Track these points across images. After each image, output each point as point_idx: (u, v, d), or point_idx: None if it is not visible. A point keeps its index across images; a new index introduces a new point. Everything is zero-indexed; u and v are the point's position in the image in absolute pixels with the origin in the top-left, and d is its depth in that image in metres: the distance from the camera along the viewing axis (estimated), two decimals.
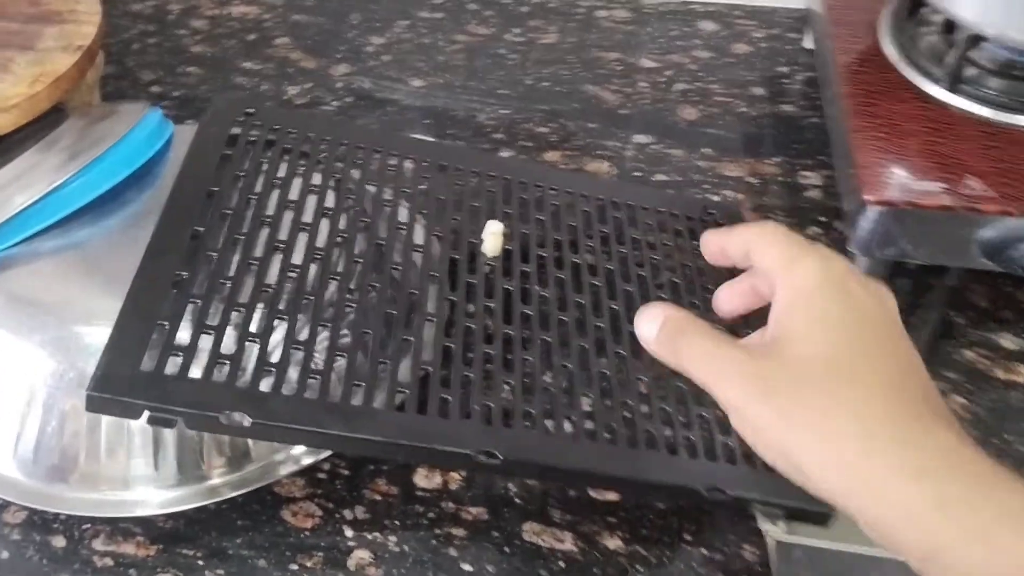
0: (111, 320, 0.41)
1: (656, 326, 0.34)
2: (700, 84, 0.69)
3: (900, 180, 0.49)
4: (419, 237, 0.51)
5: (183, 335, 0.41)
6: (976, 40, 0.54)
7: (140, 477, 0.43)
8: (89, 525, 0.45)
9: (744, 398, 0.30)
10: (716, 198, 0.61)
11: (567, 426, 0.44)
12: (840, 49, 0.57)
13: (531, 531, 0.45)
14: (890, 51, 0.56)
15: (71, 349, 0.43)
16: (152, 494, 0.44)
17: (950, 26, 0.56)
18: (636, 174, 0.62)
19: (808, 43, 0.72)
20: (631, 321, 0.49)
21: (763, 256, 0.34)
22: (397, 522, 0.45)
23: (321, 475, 0.47)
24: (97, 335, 0.41)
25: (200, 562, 0.44)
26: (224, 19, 0.72)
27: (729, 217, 0.58)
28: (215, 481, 0.44)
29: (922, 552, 0.27)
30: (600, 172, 0.62)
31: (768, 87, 0.70)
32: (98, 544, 0.44)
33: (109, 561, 0.44)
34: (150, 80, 0.66)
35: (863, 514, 0.28)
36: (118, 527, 0.45)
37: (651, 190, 0.60)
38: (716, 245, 0.37)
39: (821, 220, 0.60)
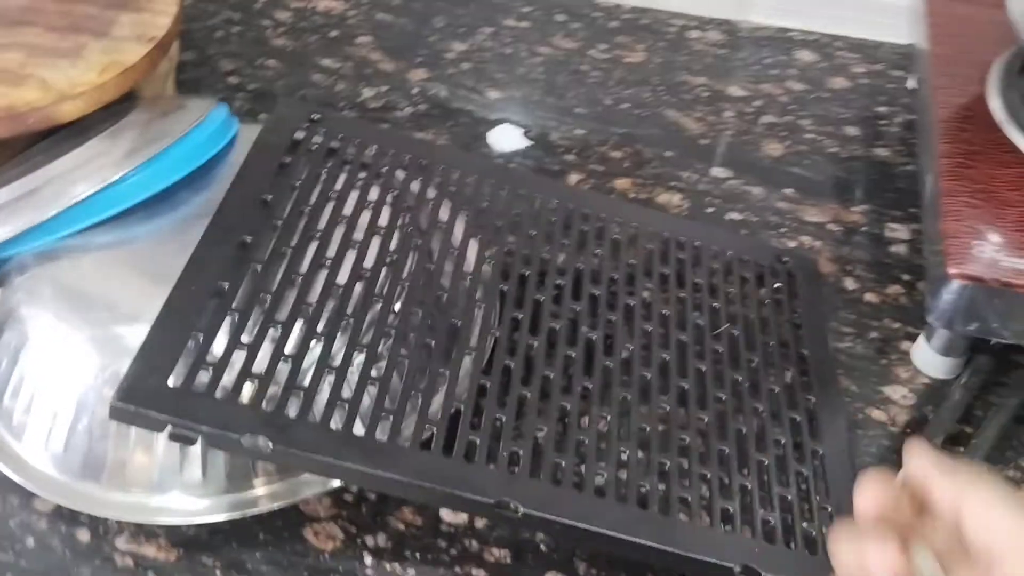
0: (151, 323, 0.41)
1: None
2: (790, 118, 0.66)
3: (991, 254, 0.45)
4: (470, 263, 0.49)
5: (217, 348, 0.41)
6: None
7: (166, 483, 0.43)
8: (115, 523, 0.45)
9: None
10: (792, 244, 0.58)
11: (599, 481, 0.42)
12: (941, 100, 0.53)
13: None
14: (996, 108, 0.52)
15: (110, 349, 0.43)
16: (177, 501, 0.43)
17: None
18: (709, 210, 0.60)
19: (913, 83, 0.67)
20: (680, 372, 0.47)
21: (986, 529, 0.28)
22: (418, 555, 0.44)
23: (348, 497, 0.46)
24: (137, 337, 0.41)
25: (218, 572, 0.43)
26: (309, 13, 0.71)
27: (803, 268, 0.55)
28: (240, 494, 0.44)
29: None
30: (671, 205, 0.60)
31: (864, 127, 0.66)
32: (121, 543, 0.44)
33: (130, 561, 0.44)
34: (229, 70, 0.66)
35: None
36: (142, 528, 0.45)
37: (721, 231, 0.57)
38: (885, 494, 0.30)
39: (904, 279, 0.56)
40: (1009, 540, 0.26)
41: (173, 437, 0.38)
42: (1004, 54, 0.55)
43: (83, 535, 0.44)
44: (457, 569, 0.43)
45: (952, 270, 0.45)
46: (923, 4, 0.60)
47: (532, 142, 0.62)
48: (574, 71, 0.68)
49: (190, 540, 0.44)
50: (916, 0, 0.61)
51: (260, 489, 0.44)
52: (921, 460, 0.30)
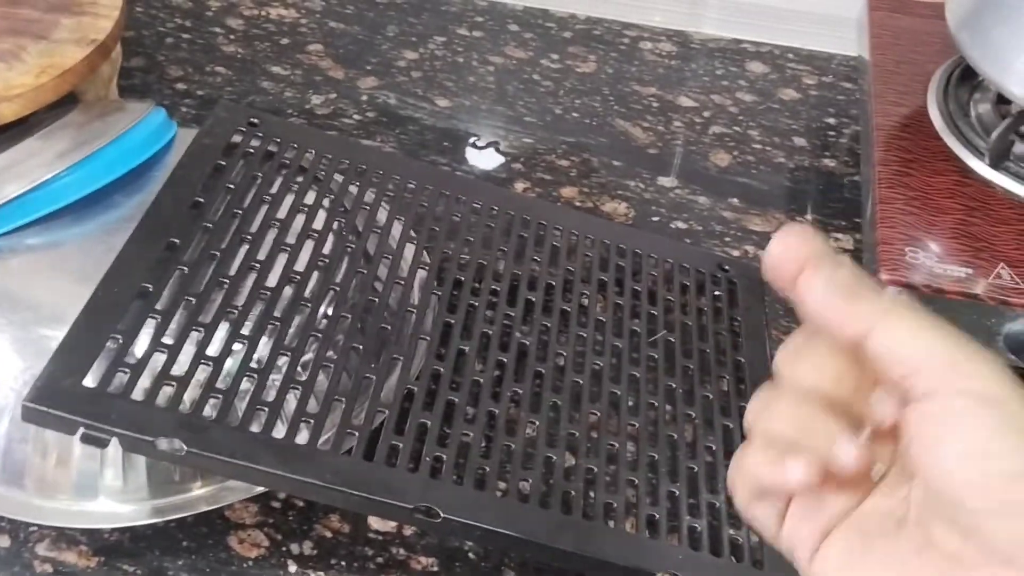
0: None
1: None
2: (739, 129, 0.66)
3: (924, 261, 0.45)
4: (406, 267, 0.49)
5: (136, 350, 0.40)
6: None
7: (87, 488, 0.42)
8: (36, 528, 0.44)
9: None
10: (736, 253, 0.58)
11: (524, 487, 0.41)
12: (880, 109, 0.53)
13: None
14: (935, 117, 0.52)
15: (32, 350, 0.43)
16: (99, 506, 0.43)
17: (1004, 97, 0.52)
18: (654, 219, 0.59)
19: None
20: (612, 379, 0.47)
21: (904, 343, 0.22)
22: (344, 563, 0.43)
23: (275, 504, 0.45)
24: (60, 338, 0.41)
25: None
26: (261, 20, 0.71)
27: (744, 277, 0.55)
28: (163, 500, 0.43)
29: None
30: (616, 213, 0.59)
31: (812, 138, 0.66)
32: (41, 549, 0.43)
33: (49, 568, 0.43)
34: (177, 76, 0.65)
35: None
36: (64, 534, 0.44)
37: (663, 239, 0.57)
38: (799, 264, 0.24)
39: None
40: (938, 357, 0.22)
41: (85, 439, 0.37)
42: (944, 64, 0.55)
43: (3, 541, 0.44)
44: None
45: (885, 276, 0.45)
46: (866, 15, 0.60)
47: (504, 158, 0.62)
48: (525, 80, 0.68)
49: (112, 547, 0.43)
50: (860, 12, 0.62)
51: (184, 494, 0.43)
52: (817, 282, 0.24)
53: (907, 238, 0.46)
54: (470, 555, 0.44)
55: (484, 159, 0.62)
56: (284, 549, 0.44)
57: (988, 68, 0.49)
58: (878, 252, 0.46)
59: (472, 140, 0.63)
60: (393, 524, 0.45)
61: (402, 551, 0.44)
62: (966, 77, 0.54)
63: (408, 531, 0.44)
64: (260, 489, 0.43)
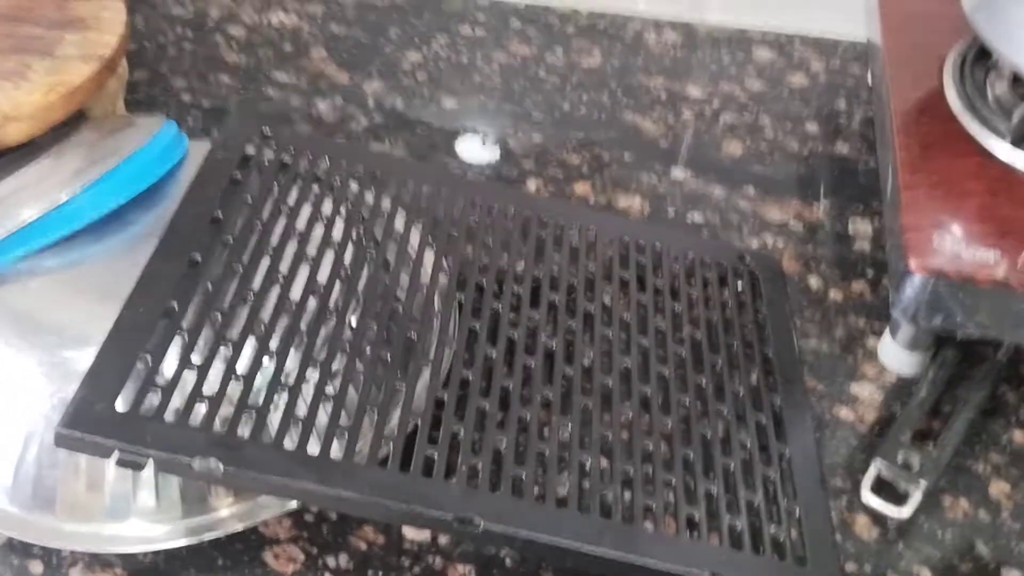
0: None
1: None
2: (749, 117, 0.66)
3: (951, 247, 0.45)
4: (426, 274, 0.48)
5: (166, 370, 0.40)
6: None
7: (120, 511, 0.42)
8: (68, 553, 0.44)
9: None
10: (754, 243, 0.57)
11: (561, 491, 0.41)
12: (897, 93, 0.53)
13: None
14: (953, 99, 0.52)
15: (59, 374, 0.42)
16: (132, 528, 0.42)
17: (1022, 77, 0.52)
18: (670, 211, 0.59)
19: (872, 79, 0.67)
20: (643, 378, 0.46)
21: None
22: (380, 574, 0.43)
23: (308, 518, 0.45)
24: (87, 360, 0.40)
25: None
26: (262, 28, 0.70)
27: (766, 268, 0.54)
28: (197, 519, 0.43)
29: None
30: (631, 208, 0.59)
31: (823, 124, 0.65)
32: (75, 573, 0.43)
33: None
34: (181, 87, 0.65)
35: None
36: (97, 557, 0.43)
37: (681, 233, 0.56)
38: None
39: (868, 275, 0.56)
40: None
41: (121, 463, 0.37)
42: (958, 45, 0.55)
43: (36, 567, 0.43)
44: None
45: (913, 264, 0.45)
46: None
47: (499, 154, 0.62)
48: (531, 77, 0.68)
49: (146, 568, 0.43)
50: None
51: (217, 512, 0.43)
52: None
53: (933, 223, 0.46)
54: (507, 561, 0.44)
55: (494, 158, 0.62)
56: (320, 562, 0.43)
57: (1004, 48, 0.48)
58: (904, 239, 0.45)
59: (481, 139, 0.63)
60: (428, 533, 0.44)
61: (439, 560, 0.44)
62: (980, 58, 0.53)
63: (444, 540, 0.44)
64: (293, 504, 0.43)
